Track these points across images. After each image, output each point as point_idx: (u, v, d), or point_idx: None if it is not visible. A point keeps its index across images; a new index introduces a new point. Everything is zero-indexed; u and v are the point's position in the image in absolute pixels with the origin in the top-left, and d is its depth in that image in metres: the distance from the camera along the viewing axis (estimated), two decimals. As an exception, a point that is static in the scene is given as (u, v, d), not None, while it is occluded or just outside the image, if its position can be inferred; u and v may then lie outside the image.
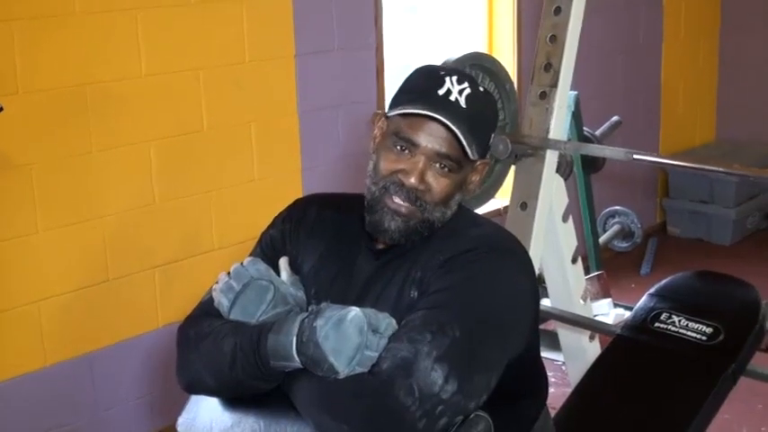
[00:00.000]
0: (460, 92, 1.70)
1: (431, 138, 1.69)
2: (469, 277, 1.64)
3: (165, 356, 3.00)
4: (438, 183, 1.71)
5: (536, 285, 1.79)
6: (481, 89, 1.76)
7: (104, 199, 2.99)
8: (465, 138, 1.67)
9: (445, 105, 1.68)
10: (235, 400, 1.72)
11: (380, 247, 1.77)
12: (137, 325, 3.13)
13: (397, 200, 1.71)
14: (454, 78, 1.72)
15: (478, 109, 1.72)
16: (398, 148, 1.71)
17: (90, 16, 2.87)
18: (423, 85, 1.73)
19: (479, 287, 1.63)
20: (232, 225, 3.31)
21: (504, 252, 1.72)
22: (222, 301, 1.72)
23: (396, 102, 1.76)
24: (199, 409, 1.76)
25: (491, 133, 1.78)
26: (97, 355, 3.04)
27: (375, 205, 1.73)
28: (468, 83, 1.72)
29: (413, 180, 1.69)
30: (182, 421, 1.78)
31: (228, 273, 1.74)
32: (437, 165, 1.70)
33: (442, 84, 1.71)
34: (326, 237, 1.83)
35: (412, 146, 1.70)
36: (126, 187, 3.04)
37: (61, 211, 2.89)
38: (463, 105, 1.69)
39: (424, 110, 1.68)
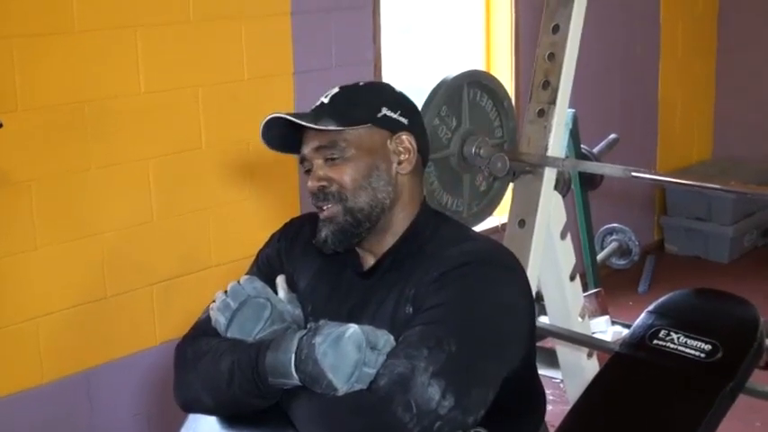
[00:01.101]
0: (327, 95, 1.77)
1: (307, 143, 1.75)
2: (465, 291, 1.63)
3: (164, 374, 2.98)
4: (340, 171, 1.73)
5: (532, 298, 1.78)
6: (361, 84, 1.81)
7: (103, 216, 2.98)
8: (306, 118, 1.71)
9: (306, 111, 1.76)
10: (233, 418, 1.71)
11: (366, 268, 1.78)
12: (135, 342, 3.12)
13: (322, 208, 1.75)
14: (330, 91, 1.78)
15: (345, 94, 1.76)
16: (305, 171, 1.78)
17: (89, 34, 2.87)
18: None
19: (475, 301, 1.63)
20: (230, 242, 3.31)
21: (498, 265, 1.71)
22: (219, 320, 1.72)
23: None
24: (197, 428, 1.75)
25: (374, 105, 1.75)
26: (95, 372, 3.03)
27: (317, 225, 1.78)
28: (342, 88, 1.78)
29: (314, 182, 1.74)
30: (179, 439, 1.78)
31: (225, 291, 1.75)
32: (325, 159, 1.73)
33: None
34: (320, 255, 1.83)
35: (306, 160, 1.77)
36: (124, 204, 3.04)
37: (60, 227, 2.89)
38: (326, 101, 1.75)
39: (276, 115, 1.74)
